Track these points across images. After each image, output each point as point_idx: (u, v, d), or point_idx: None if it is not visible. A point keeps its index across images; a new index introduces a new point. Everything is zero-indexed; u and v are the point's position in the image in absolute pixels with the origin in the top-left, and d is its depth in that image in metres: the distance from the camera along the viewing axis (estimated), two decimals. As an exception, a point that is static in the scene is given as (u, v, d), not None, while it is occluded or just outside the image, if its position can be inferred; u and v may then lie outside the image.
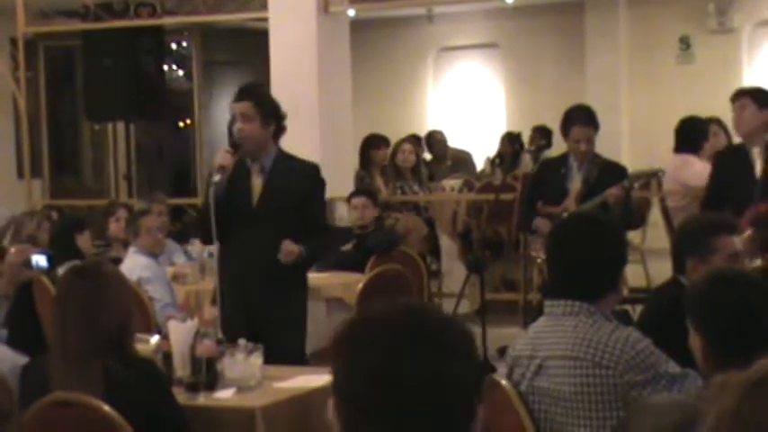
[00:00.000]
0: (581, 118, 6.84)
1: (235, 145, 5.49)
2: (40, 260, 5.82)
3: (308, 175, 5.63)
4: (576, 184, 6.78)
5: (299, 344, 5.54)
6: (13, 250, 5.88)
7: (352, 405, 1.72)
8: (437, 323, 1.75)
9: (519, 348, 3.50)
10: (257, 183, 5.50)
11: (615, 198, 6.53)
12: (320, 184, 5.68)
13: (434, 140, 11.75)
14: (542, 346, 3.40)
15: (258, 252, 5.40)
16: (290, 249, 5.35)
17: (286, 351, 5.17)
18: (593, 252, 3.42)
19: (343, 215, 8.18)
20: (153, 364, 4.07)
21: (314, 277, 7.42)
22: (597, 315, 3.35)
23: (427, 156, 11.35)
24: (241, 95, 5.52)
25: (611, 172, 6.75)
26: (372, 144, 9.50)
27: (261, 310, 5.39)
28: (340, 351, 1.76)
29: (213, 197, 5.31)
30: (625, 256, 3.58)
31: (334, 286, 7.22)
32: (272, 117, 5.51)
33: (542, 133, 11.08)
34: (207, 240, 5.87)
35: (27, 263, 5.73)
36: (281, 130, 5.58)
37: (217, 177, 5.35)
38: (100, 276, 3.90)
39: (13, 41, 9.95)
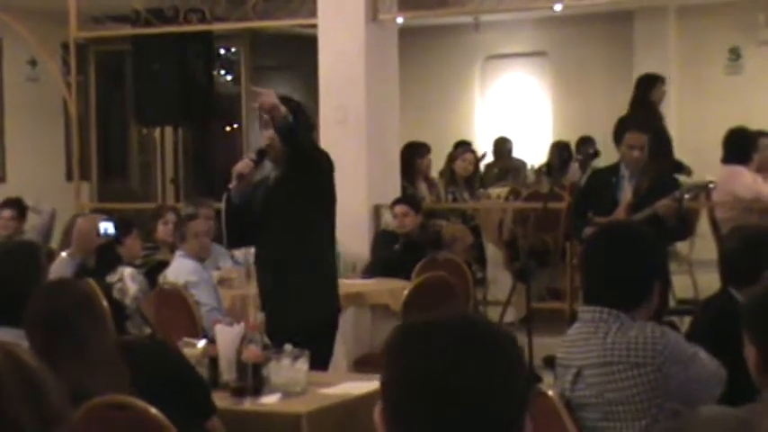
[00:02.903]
0: (636, 124, 6.82)
1: (262, 152, 5.52)
2: (108, 227, 6.09)
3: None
4: (626, 194, 6.73)
5: (298, 314, 5.33)
6: (80, 220, 6.10)
7: (402, 413, 1.67)
8: (492, 334, 1.72)
9: (559, 357, 3.52)
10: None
11: (666, 210, 6.48)
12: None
13: (504, 148, 11.87)
14: (576, 355, 3.42)
15: (269, 251, 5.49)
16: (267, 93, 5.41)
17: (285, 322, 5.10)
18: (627, 262, 3.40)
19: (388, 222, 8.20)
20: (155, 342, 4.13)
21: (360, 284, 7.46)
22: (623, 317, 3.35)
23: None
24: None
25: (663, 183, 6.71)
26: (417, 152, 9.46)
27: (272, 297, 5.44)
28: (393, 357, 1.70)
29: (225, 203, 5.43)
30: (659, 267, 3.54)
31: (379, 293, 7.23)
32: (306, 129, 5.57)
33: (589, 143, 11.05)
34: (227, 244, 6.05)
35: (96, 231, 5.96)
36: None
37: (233, 184, 5.41)
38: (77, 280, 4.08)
39: (65, 46, 10.05)
